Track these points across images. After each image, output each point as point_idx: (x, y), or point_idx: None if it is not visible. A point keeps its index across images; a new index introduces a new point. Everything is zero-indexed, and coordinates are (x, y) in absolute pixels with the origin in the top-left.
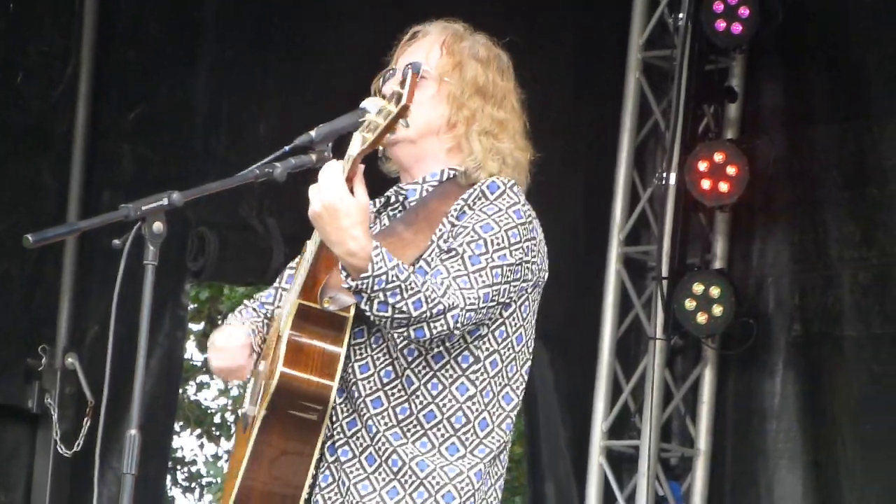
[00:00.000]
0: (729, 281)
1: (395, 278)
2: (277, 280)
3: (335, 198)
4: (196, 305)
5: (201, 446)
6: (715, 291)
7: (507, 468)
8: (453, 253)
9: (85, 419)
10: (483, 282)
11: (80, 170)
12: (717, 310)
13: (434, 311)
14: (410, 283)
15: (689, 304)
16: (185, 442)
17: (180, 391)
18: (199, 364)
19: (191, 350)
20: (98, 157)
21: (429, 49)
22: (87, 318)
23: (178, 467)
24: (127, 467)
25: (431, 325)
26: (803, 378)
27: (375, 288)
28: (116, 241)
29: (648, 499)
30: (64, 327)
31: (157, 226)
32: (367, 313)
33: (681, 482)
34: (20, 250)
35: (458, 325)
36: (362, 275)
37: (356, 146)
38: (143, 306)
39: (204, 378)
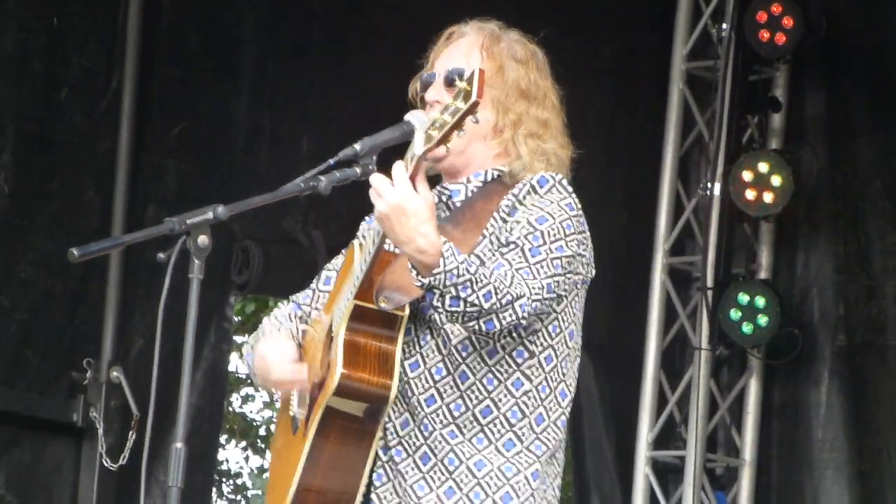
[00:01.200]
0: (774, 291)
1: (465, 272)
2: (315, 282)
3: (402, 198)
4: (241, 318)
5: (246, 459)
6: (760, 301)
7: None
8: (512, 246)
9: (130, 433)
10: (545, 272)
11: (124, 185)
12: (763, 320)
13: (503, 301)
14: (480, 276)
15: (735, 314)
16: (231, 454)
17: (225, 403)
18: (243, 376)
19: (235, 363)
20: (142, 173)
21: (468, 52)
22: (131, 331)
23: (224, 480)
24: (173, 480)
25: (501, 315)
26: (848, 388)
27: (447, 283)
28: (161, 255)
29: None
30: (109, 341)
31: (203, 239)
32: (439, 310)
33: (727, 492)
34: (65, 266)
35: (526, 314)
36: (434, 271)
37: (420, 145)
38: (189, 319)
39: (249, 390)
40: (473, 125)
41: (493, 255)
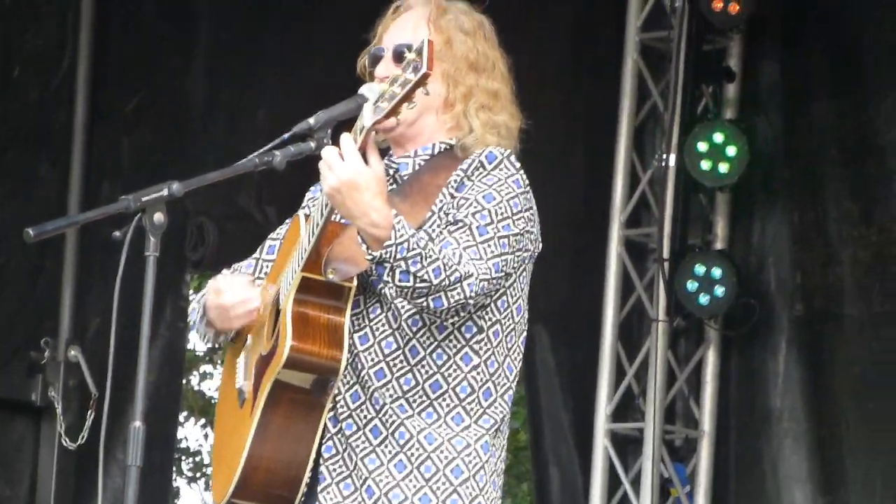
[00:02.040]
0: (730, 261)
1: (416, 245)
2: (258, 251)
3: (353, 172)
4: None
5: (205, 436)
6: (716, 272)
7: (514, 455)
8: (460, 224)
9: (89, 412)
10: (492, 252)
11: (80, 161)
12: (719, 290)
13: (452, 278)
14: (429, 251)
15: (691, 285)
16: (189, 432)
17: (183, 381)
18: (201, 354)
19: (193, 340)
20: (97, 148)
21: (415, 26)
22: (89, 310)
23: (183, 457)
24: (132, 459)
25: (449, 293)
26: (806, 357)
27: (398, 256)
28: (117, 233)
29: (654, 481)
30: (66, 320)
31: (158, 217)
32: (389, 284)
33: (686, 464)
34: (21, 244)
35: (474, 293)
36: (385, 244)
37: (369, 116)
38: (146, 297)
39: (207, 368)
40: (424, 97)
41: (442, 232)
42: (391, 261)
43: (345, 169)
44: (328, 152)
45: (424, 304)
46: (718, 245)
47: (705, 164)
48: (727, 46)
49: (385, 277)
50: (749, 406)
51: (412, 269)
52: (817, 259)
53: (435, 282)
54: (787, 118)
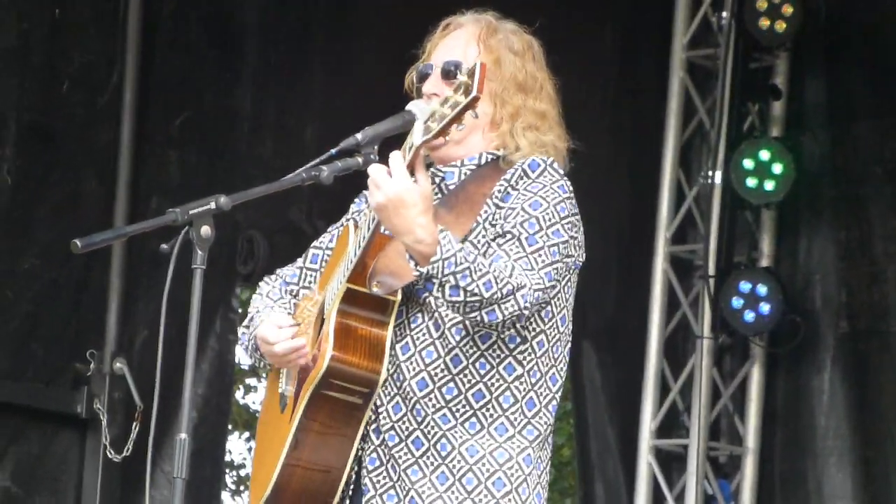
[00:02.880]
0: (776, 278)
1: (464, 260)
2: (302, 259)
3: (400, 188)
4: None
5: (249, 450)
6: (762, 289)
7: (558, 471)
8: (508, 236)
9: (134, 424)
10: (543, 261)
11: (127, 177)
12: (765, 307)
13: (504, 291)
14: (479, 265)
15: (737, 302)
16: (233, 445)
17: (232, 393)
18: (246, 367)
19: (239, 354)
20: (144, 164)
21: (465, 45)
22: (135, 322)
23: (227, 471)
24: (178, 471)
25: (503, 306)
26: (851, 375)
27: (446, 272)
28: (164, 246)
29: (698, 498)
30: (112, 332)
31: (205, 229)
32: (440, 301)
33: (730, 480)
34: (68, 257)
35: (528, 304)
36: (432, 259)
37: (419, 135)
38: (193, 310)
39: (252, 381)
40: (470, 117)
41: (490, 244)
42: (439, 276)
43: (392, 186)
44: (376, 169)
45: (478, 317)
46: (764, 262)
47: (751, 182)
48: (773, 64)
49: (435, 293)
50: (794, 424)
51: (461, 283)
52: (863, 277)
53: (486, 295)
54: (833, 136)
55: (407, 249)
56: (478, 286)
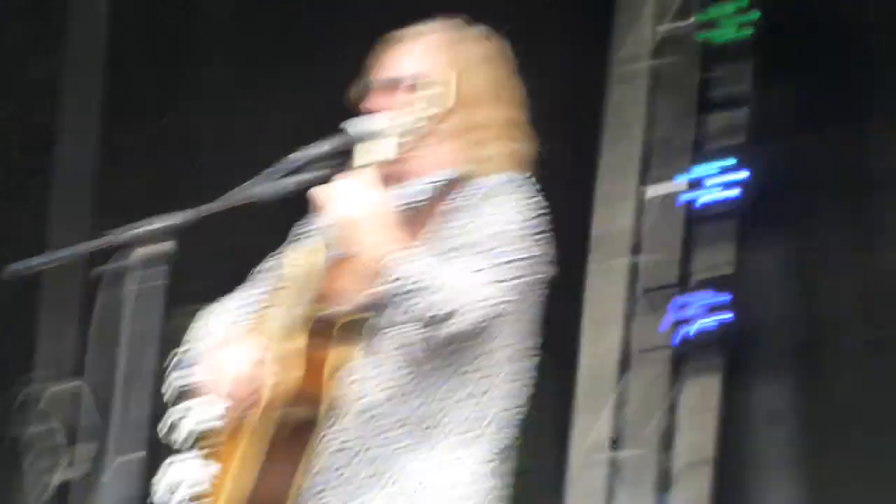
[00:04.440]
0: (732, 290)
1: (420, 274)
2: (250, 284)
3: (355, 205)
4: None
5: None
6: (718, 300)
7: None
8: (473, 248)
9: None
10: (504, 275)
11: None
12: (722, 318)
13: (461, 303)
14: (435, 280)
15: (693, 311)
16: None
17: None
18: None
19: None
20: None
21: (430, 53)
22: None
23: None
24: None
25: (460, 318)
26: (804, 387)
27: (403, 288)
28: (106, 268)
29: None
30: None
31: (153, 249)
32: (394, 314)
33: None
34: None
35: (472, 322)
36: (390, 274)
37: (377, 152)
38: (125, 334)
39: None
40: (436, 129)
41: (449, 257)
42: (397, 292)
43: (347, 203)
44: (329, 187)
45: (433, 333)
46: (721, 272)
47: (711, 192)
48: (736, 73)
49: (391, 308)
50: (748, 435)
51: (417, 297)
52: (819, 289)
53: (444, 311)
54: (793, 146)
55: (366, 261)
56: (435, 301)
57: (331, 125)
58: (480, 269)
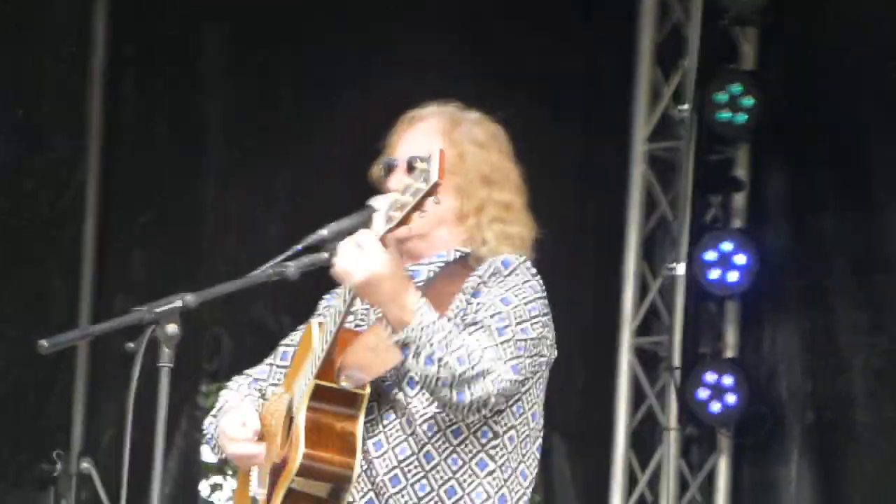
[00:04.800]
0: (741, 369)
1: (441, 328)
2: (272, 357)
3: (377, 263)
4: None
5: None
6: (727, 380)
7: None
8: (479, 325)
9: None
10: (511, 354)
11: (91, 274)
12: (731, 398)
13: (475, 370)
14: (454, 338)
15: (702, 393)
16: None
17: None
18: (212, 463)
19: (205, 451)
20: (108, 262)
21: (428, 139)
22: (101, 422)
23: None
24: None
25: (472, 386)
26: (818, 465)
27: (423, 339)
28: (130, 345)
29: None
30: (78, 432)
31: (172, 328)
32: (413, 371)
33: None
34: (33, 358)
35: (496, 391)
36: (411, 325)
37: (380, 224)
38: (160, 408)
39: (218, 479)
40: (437, 209)
41: (461, 333)
42: (416, 342)
43: (367, 261)
44: (347, 246)
45: (447, 396)
46: (729, 353)
47: (714, 273)
48: (735, 156)
49: (409, 361)
50: None
51: (437, 353)
52: (828, 367)
53: (458, 370)
54: (796, 227)
55: (386, 317)
56: (451, 359)
57: (344, 205)
58: (495, 344)
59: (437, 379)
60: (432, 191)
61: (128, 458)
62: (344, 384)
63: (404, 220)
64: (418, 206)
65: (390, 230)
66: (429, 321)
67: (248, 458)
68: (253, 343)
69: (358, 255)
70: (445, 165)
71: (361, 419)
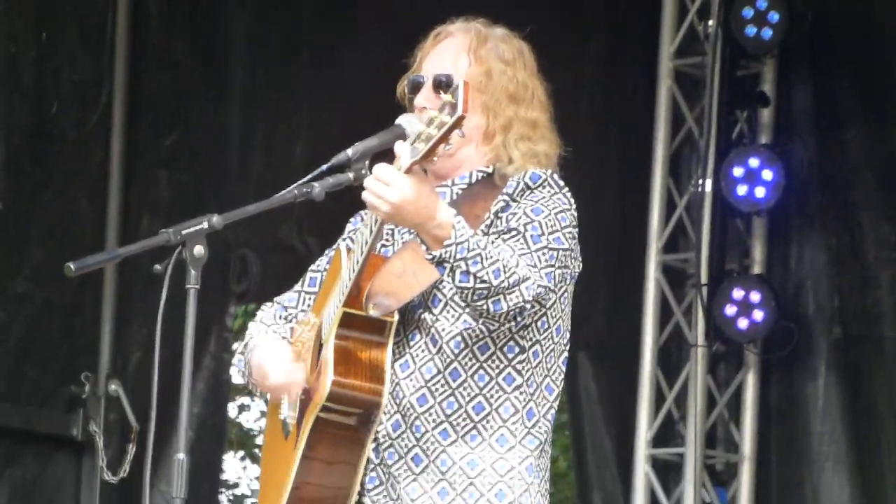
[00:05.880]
0: (768, 286)
1: (476, 245)
2: (300, 284)
3: (402, 190)
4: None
5: (244, 468)
6: (755, 297)
7: (554, 483)
8: (514, 232)
9: (130, 445)
10: (546, 261)
11: (118, 197)
12: (758, 315)
13: (511, 280)
14: (489, 252)
15: (730, 309)
16: (228, 465)
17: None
18: (239, 385)
19: (234, 373)
20: (135, 184)
21: (455, 56)
22: (129, 344)
23: (222, 490)
24: (176, 492)
25: (508, 296)
26: (845, 380)
27: (458, 256)
28: (158, 267)
29: None
30: (106, 354)
31: (198, 249)
32: (450, 286)
33: (727, 488)
34: (60, 279)
35: (531, 297)
36: (446, 243)
37: (406, 157)
38: (187, 329)
39: (245, 400)
40: (458, 137)
41: (496, 240)
42: (451, 260)
43: (393, 191)
44: (372, 181)
45: (484, 306)
46: (756, 270)
47: (741, 190)
48: (761, 71)
49: (446, 277)
50: (789, 430)
51: (472, 269)
52: (855, 282)
53: (494, 283)
54: (822, 142)
55: (420, 235)
56: (487, 273)
57: (365, 125)
58: (529, 251)
59: (474, 291)
60: (457, 124)
61: (156, 380)
62: (372, 311)
63: (430, 153)
64: (443, 139)
65: (415, 163)
66: (463, 238)
67: (286, 387)
68: (279, 264)
69: (383, 191)
70: (472, 85)
71: (390, 346)
